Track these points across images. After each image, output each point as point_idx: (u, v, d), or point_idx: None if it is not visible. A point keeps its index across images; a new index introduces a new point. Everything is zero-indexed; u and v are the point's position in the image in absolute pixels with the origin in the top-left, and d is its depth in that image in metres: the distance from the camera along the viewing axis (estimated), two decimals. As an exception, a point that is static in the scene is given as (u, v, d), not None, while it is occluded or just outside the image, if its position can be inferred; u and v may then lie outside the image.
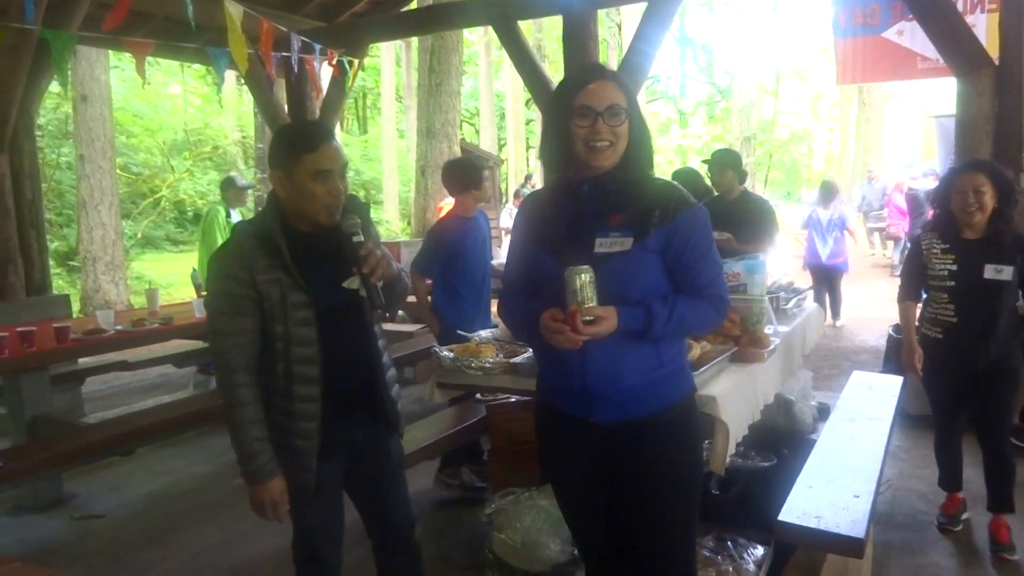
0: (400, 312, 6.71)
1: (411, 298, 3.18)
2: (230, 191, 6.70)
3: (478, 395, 3.87)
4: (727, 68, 27.68)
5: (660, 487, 1.89)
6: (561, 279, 1.71)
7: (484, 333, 3.23)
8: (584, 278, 1.72)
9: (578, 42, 6.48)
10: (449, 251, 3.89)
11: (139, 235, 19.10)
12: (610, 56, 20.92)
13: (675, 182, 1.92)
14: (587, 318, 1.70)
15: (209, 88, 23.51)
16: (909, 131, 21.85)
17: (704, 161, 5.04)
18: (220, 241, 6.39)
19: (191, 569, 3.36)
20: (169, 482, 4.39)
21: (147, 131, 20.02)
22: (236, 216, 6.61)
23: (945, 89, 6.75)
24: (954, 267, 3.18)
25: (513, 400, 3.62)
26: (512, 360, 2.77)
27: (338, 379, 2.07)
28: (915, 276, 3.37)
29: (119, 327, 4.17)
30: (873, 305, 9.20)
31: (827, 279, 8.05)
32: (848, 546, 2.28)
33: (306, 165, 1.95)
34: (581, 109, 1.77)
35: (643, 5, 6.07)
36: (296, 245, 2.01)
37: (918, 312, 3.47)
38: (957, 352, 3.25)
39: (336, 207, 2.00)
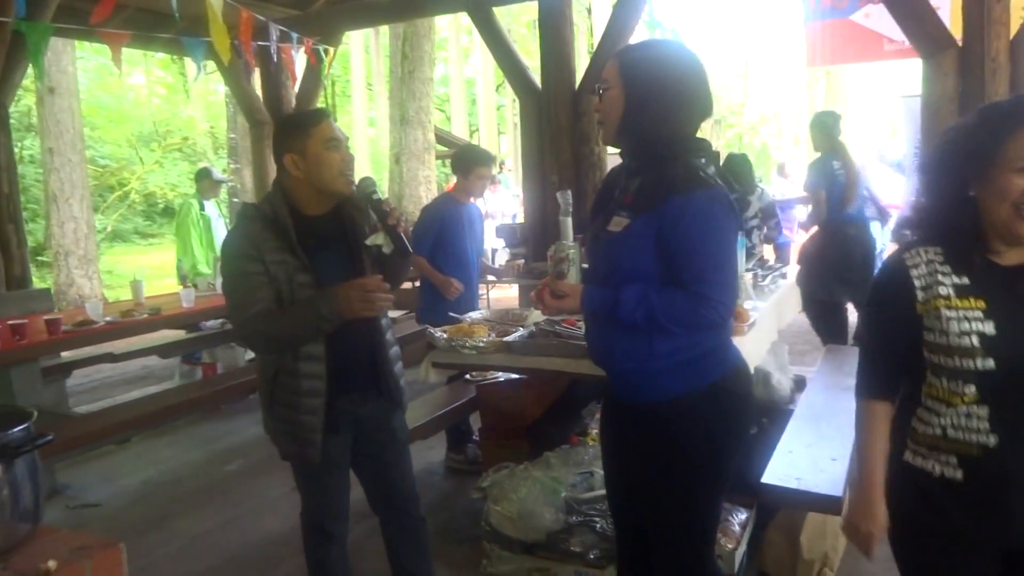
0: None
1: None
2: (205, 182, 6.69)
3: (467, 376, 3.98)
4: (696, 50, 27.85)
5: (662, 477, 1.87)
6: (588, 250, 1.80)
7: (475, 315, 3.32)
8: (564, 253, 1.81)
9: (553, 27, 6.56)
10: (440, 229, 3.93)
11: (108, 228, 18.89)
12: (580, 40, 20.96)
13: (693, 166, 1.78)
14: (557, 293, 1.81)
15: (174, 78, 23.17)
16: (874, 112, 22.20)
17: None
18: (194, 235, 6.37)
19: (192, 552, 3.43)
20: (163, 470, 4.44)
21: (112, 122, 19.73)
22: (211, 208, 6.62)
23: (909, 71, 6.94)
24: (990, 326, 1.44)
25: (503, 379, 3.74)
26: (504, 339, 2.88)
27: (343, 357, 2.15)
28: (890, 348, 1.59)
29: (108, 318, 4.21)
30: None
31: None
32: (827, 504, 2.44)
33: (317, 137, 2.07)
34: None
35: (615, -10, 6.16)
36: (301, 228, 2.09)
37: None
38: (993, 508, 1.48)
39: (351, 174, 2.12)
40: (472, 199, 4.13)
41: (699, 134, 1.88)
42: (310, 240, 2.10)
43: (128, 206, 19.81)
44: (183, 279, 5.67)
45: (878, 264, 5.14)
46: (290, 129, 2.13)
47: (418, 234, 3.95)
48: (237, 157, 14.58)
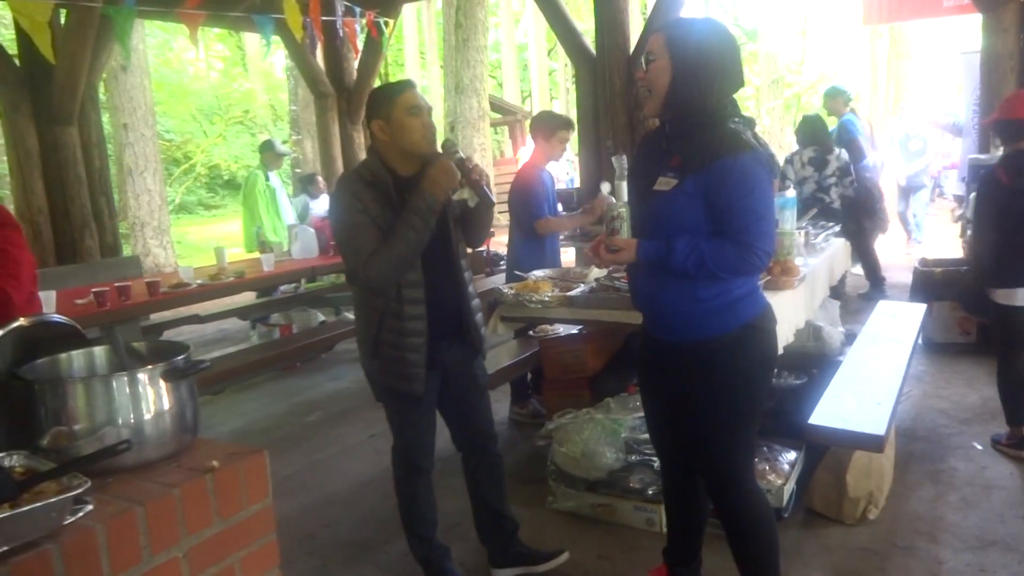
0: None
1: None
2: (268, 155, 6.86)
3: (530, 332, 4.23)
4: (753, 8, 27.27)
5: (704, 406, 2.11)
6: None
7: (539, 273, 3.55)
8: (615, 211, 2.02)
9: (608, -8, 6.64)
10: (534, 196, 4.07)
11: (177, 200, 19.63)
12: (633, 4, 20.73)
13: (737, 130, 1.97)
14: (612, 247, 2.03)
15: (232, 52, 23.70)
16: (939, 68, 21.51)
17: None
18: (261, 205, 6.60)
19: (284, 490, 3.78)
20: (250, 420, 4.83)
21: (173, 97, 20.33)
22: (274, 179, 6.84)
23: (973, 26, 6.82)
24: None
25: (563, 334, 3.98)
26: (568, 294, 3.11)
27: (436, 303, 2.41)
28: None
29: (199, 281, 4.57)
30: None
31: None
32: (871, 442, 2.63)
33: (400, 104, 2.32)
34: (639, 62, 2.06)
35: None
36: (398, 188, 2.35)
37: None
38: None
39: (432, 137, 2.36)
40: (549, 162, 4.30)
41: (754, 95, 2.10)
42: (404, 196, 2.35)
43: (194, 179, 20.49)
44: (261, 245, 6.00)
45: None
46: (378, 98, 2.39)
47: (538, 200, 4.05)
48: (299, 129, 15.00)
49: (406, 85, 2.40)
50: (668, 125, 2.08)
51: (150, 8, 5.83)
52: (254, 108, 22.38)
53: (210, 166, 20.91)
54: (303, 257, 5.65)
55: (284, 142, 19.64)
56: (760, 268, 2.03)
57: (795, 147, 6.09)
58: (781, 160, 5.57)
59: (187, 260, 13.70)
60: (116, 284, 4.13)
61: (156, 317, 5.62)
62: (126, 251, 12.92)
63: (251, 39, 22.11)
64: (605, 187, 3.92)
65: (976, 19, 5.60)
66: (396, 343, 2.39)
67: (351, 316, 6.46)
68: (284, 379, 5.65)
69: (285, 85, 17.57)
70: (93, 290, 4.02)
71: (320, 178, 7.61)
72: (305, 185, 7.47)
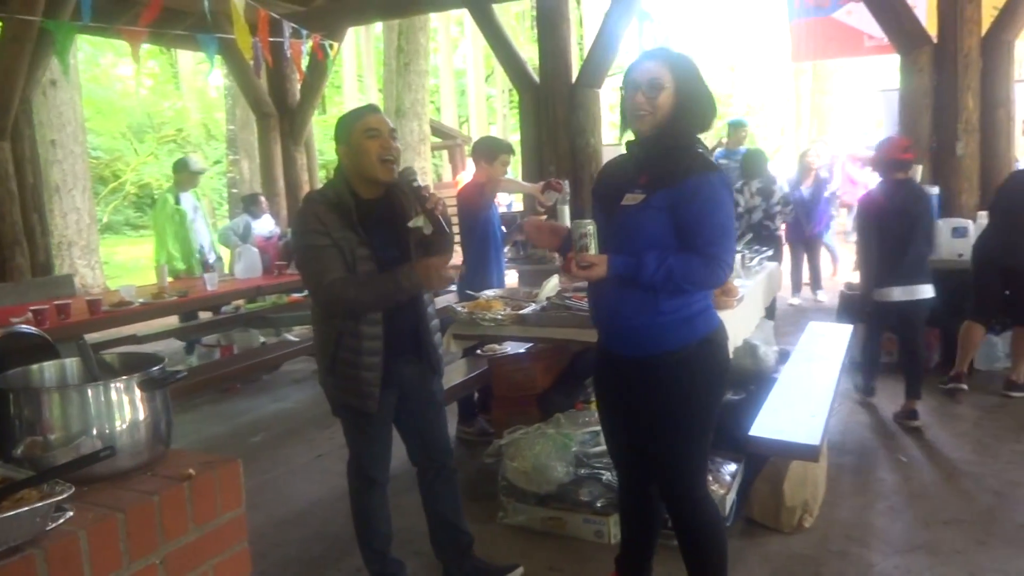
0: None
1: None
2: (183, 174, 6.47)
3: (479, 351, 4.30)
4: (684, 43, 28.21)
5: (663, 421, 2.20)
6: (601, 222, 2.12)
7: (490, 292, 3.64)
8: (584, 229, 2.09)
9: (551, 24, 6.88)
10: (484, 216, 4.21)
11: (104, 220, 19.03)
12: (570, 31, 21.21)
13: (704, 153, 2.15)
14: (583, 264, 2.11)
15: (163, 69, 23.23)
16: (859, 104, 22.67)
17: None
18: (169, 230, 6.15)
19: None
20: (191, 442, 4.74)
21: (100, 113, 19.76)
22: (188, 200, 6.39)
23: (890, 65, 7.33)
24: None
25: (512, 352, 4.07)
26: (520, 312, 3.20)
27: (393, 322, 2.46)
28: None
29: (141, 300, 4.50)
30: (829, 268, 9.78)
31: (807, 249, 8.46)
32: (806, 452, 2.79)
33: (359, 128, 2.39)
34: (629, 83, 2.15)
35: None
36: (360, 210, 2.41)
37: None
38: None
39: (391, 162, 2.40)
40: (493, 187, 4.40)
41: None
42: (367, 220, 2.41)
43: (122, 197, 19.92)
44: (206, 265, 5.87)
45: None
46: (342, 124, 2.46)
47: (486, 201, 4.23)
48: (236, 148, 14.80)
49: (367, 110, 2.47)
50: (637, 148, 2.20)
51: (92, 23, 5.75)
52: (187, 127, 21.93)
53: (140, 185, 20.36)
54: (247, 277, 5.60)
55: (217, 162, 19.31)
56: (722, 281, 2.16)
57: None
58: None
59: (115, 281, 13.28)
60: (56, 302, 4.03)
61: (91, 337, 5.47)
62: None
63: (184, 56, 21.76)
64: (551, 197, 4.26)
65: (894, 59, 5.99)
66: (352, 361, 2.43)
67: (293, 337, 6.42)
68: (225, 401, 5.56)
69: (219, 104, 17.31)
70: (31, 308, 3.92)
71: (262, 198, 7.55)
72: (247, 205, 7.38)
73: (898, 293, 4.25)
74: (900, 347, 4.63)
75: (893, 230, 4.21)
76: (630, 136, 2.22)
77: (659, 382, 2.18)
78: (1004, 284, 4.63)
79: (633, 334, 2.20)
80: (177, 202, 6.31)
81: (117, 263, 15.80)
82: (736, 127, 7.94)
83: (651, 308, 2.13)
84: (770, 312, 5.29)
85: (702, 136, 2.28)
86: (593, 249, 2.09)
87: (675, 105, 2.12)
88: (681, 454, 2.24)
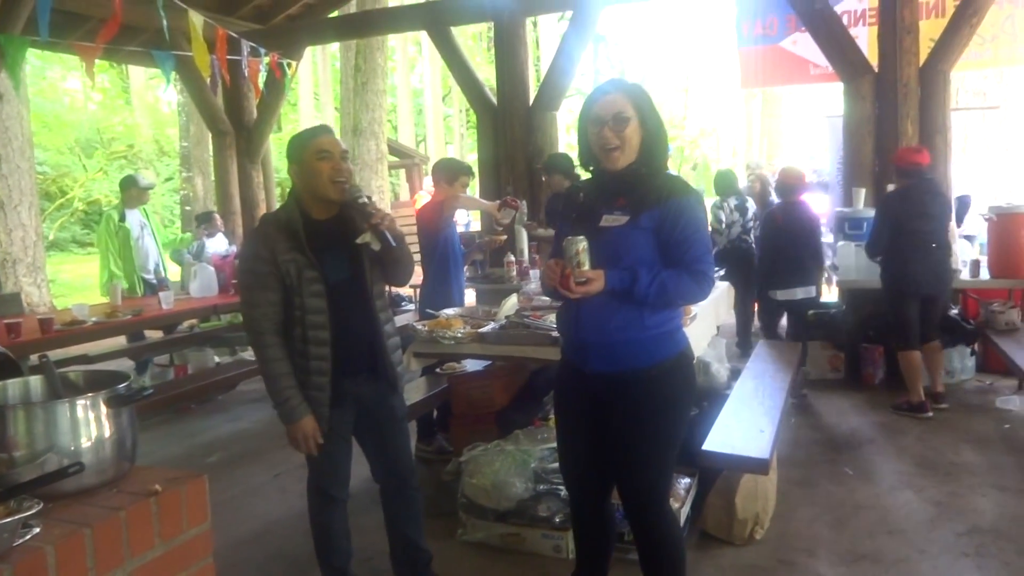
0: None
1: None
2: (132, 191, 6.34)
3: (438, 369, 4.34)
4: (638, 67, 28.78)
5: (638, 433, 2.24)
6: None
7: (449, 311, 3.68)
8: (579, 246, 2.13)
9: (509, 48, 6.98)
10: (445, 235, 4.27)
11: (50, 237, 18.55)
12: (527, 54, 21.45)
13: (679, 176, 2.29)
14: (580, 279, 2.13)
15: (112, 84, 22.81)
16: (807, 128, 23.41)
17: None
18: (112, 248, 6.11)
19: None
20: (143, 463, 4.64)
21: (45, 127, 19.29)
22: (135, 217, 6.27)
23: (836, 92, 7.62)
24: None
25: (471, 371, 4.12)
26: (480, 330, 3.26)
27: (344, 342, 2.49)
28: None
29: (94, 319, 4.43)
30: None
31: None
32: (757, 466, 2.88)
33: (310, 149, 2.43)
34: (593, 118, 2.23)
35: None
36: (310, 231, 2.45)
37: None
38: None
39: (341, 182, 2.43)
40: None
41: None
42: (318, 241, 2.45)
43: (72, 214, 19.45)
44: (162, 283, 5.77)
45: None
46: (294, 144, 2.50)
47: (446, 221, 4.28)
48: (189, 165, 14.61)
49: (319, 131, 2.52)
50: (609, 175, 2.27)
51: (45, 39, 5.67)
52: (138, 143, 21.55)
53: (89, 201, 19.90)
54: (203, 295, 5.55)
55: (169, 179, 18.98)
56: (707, 294, 2.27)
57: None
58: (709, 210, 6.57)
59: (62, 300, 12.94)
60: (5, 321, 3.96)
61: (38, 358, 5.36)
62: (-4, 289, 12.13)
63: (136, 72, 21.42)
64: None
65: (839, 87, 6.23)
66: (301, 380, 2.47)
67: (248, 356, 6.35)
68: (179, 421, 5.48)
69: (172, 120, 17.08)
70: (-21, 327, 3.84)
71: (217, 216, 7.49)
72: (201, 222, 7.32)
73: (788, 293, 5.26)
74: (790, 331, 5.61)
75: (784, 242, 5.18)
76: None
77: (634, 396, 2.24)
78: (921, 309, 4.83)
79: (615, 349, 2.24)
80: (122, 219, 6.21)
81: (63, 281, 15.40)
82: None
83: (637, 324, 2.20)
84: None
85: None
86: (587, 265, 2.13)
87: (643, 136, 2.21)
88: (652, 467, 2.30)
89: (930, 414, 4.77)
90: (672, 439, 2.31)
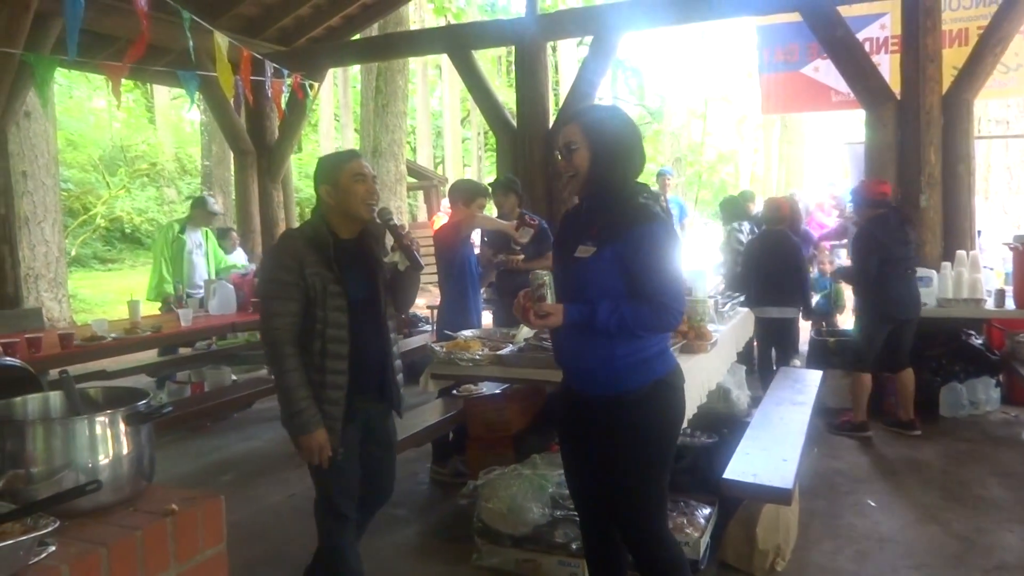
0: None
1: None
2: (199, 211, 6.53)
3: (455, 391, 4.31)
4: (657, 91, 28.89)
5: (617, 457, 2.25)
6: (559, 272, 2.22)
7: (467, 333, 3.67)
8: (542, 280, 2.22)
9: (530, 71, 7.02)
10: (462, 255, 4.32)
11: (72, 253, 18.76)
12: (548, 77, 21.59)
13: (647, 204, 2.24)
14: (540, 313, 2.21)
15: (136, 103, 23.18)
16: (826, 154, 23.34)
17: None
18: (165, 252, 6.23)
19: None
20: (158, 481, 4.64)
21: (70, 146, 19.60)
22: (195, 235, 6.43)
23: (856, 119, 7.63)
24: None
25: (487, 394, 4.09)
26: (498, 352, 3.23)
27: (360, 360, 2.51)
28: None
29: (114, 335, 4.45)
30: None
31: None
32: (779, 495, 2.82)
33: (347, 171, 2.50)
34: (558, 150, 2.29)
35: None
36: (336, 248, 2.49)
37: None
38: None
39: (373, 204, 2.52)
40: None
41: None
42: (342, 259, 2.49)
43: (94, 231, 19.67)
44: (180, 299, 5.80)
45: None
46: (327, 165, 2.55)
47: (464, 240, 4.37)
48: (211, 184, 14.77)
49: (353, 155, 2.60)
50: (585, 201, 2.32)
51: (73, 59, 5.77)
52: (161, 161, 21.81)
53: (111, 218, 20.13)
54: (221, 313, 5.56)
55: (189, 197, 19.12)
56: (674, 325, 2.25)
57: (704, 221, 6.74)
58: (724, 233, 6.81)
59: (83, 315, 13.06)
60: (26, 335, 3.98)
61: (54, 374, 5.38)
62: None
63: (160, 91, 21.75)
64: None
65: (860, 114, 6.20)
66: (316, 396, 2.46)
67: (265, 375, 6.35)
68: (193, 439, 5.46)
69: (194, 139, 17.29)
70: (1, 341, 3.86)
71: (234, 233, 7.54)
72: (218, 240, 7.35)
73: (773, 312, 5.37)
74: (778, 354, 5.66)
75: (766, 266, 5.43)
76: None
77: (616, 421, 2.25)
78: (898, 334, 4.90)
79: (593, 375, 2.28)
80: (181, 231, 6.40)
81: (84, 297, 15.55)
82: (659, 176, 9.13)
83: (608, 352, 2.21)
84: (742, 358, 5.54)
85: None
86: (550, 299, 2.20)
87: (592, 161, 2.21)
88: (638, 495, 2.29)
89: (918, 432, 4.89)
90: (651, 469, 2.28)
